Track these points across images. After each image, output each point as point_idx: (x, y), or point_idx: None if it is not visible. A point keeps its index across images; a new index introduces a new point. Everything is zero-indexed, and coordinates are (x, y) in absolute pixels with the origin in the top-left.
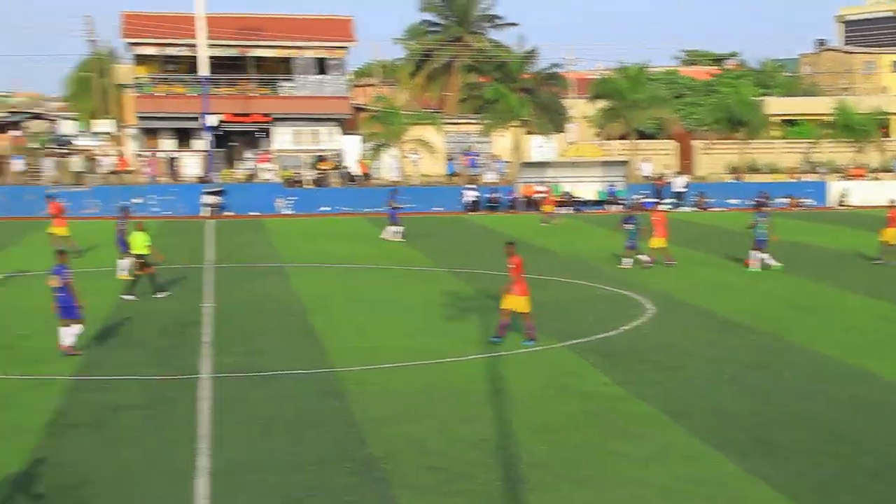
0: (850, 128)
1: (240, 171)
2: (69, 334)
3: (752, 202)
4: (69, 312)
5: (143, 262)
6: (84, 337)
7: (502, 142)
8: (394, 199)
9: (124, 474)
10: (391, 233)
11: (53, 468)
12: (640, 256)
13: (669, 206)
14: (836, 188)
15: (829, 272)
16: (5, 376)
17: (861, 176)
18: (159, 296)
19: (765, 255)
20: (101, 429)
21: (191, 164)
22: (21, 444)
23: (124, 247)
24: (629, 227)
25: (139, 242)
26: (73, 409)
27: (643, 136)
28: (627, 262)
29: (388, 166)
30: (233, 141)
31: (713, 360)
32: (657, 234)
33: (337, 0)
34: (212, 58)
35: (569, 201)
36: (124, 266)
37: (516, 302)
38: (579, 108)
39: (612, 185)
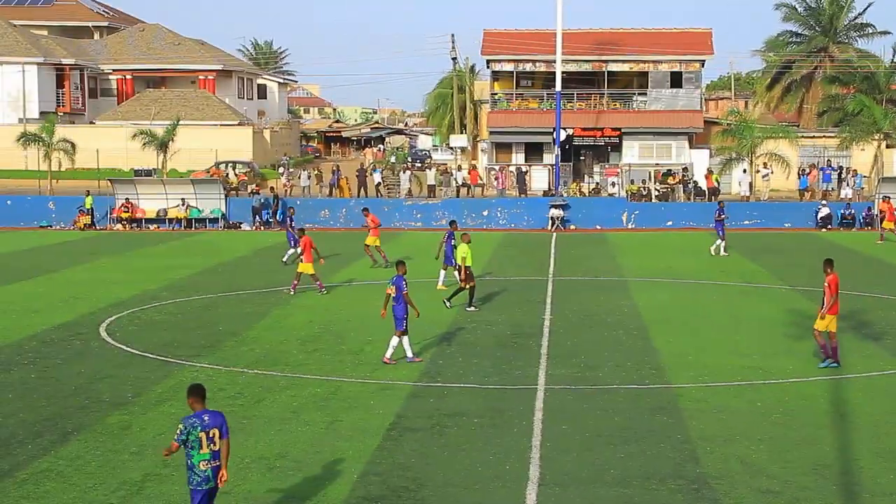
0: None
1: (586, 184)
2: (391, 346)
3: None
4: (399, 323)
5: (467, 273)
6: (424, 345)
7: (862, 156)
8: (720, 212)
9: (458, 479)
10: (722, 247)
11: (392, 470)
12: None
13: None
14: None
15: None
16: (353, 379)
17: None
18: (448, 305)
19: None
20: (437, 434)
21: (539, 178)
22: (363, 445)
23: (450, 260)
24: None
25: (461, 253)
26: (412, 413)
27: None
28: None
29: (738, 181)
30: (582, 154)
31: None
32: None
33: (695, 12)
34: (565, 72)
35: None
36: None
37: (823, 320)
38: None
39: None
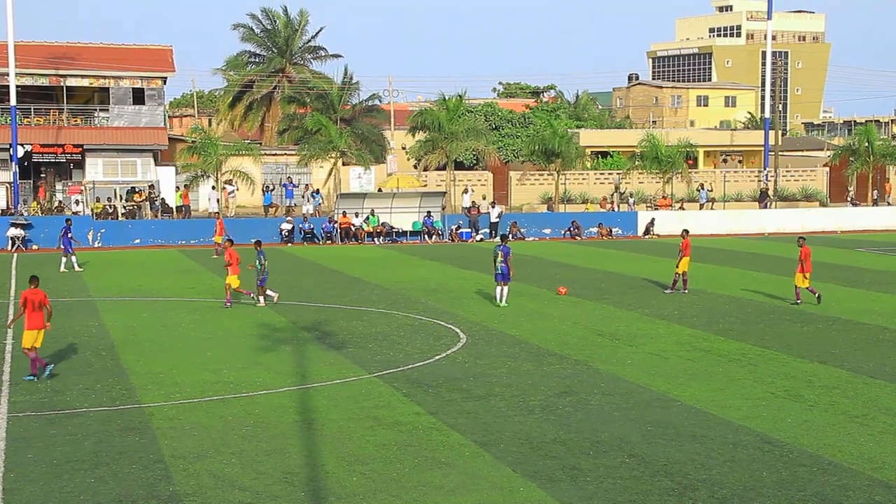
0: (658, 159)
1: (48, 202)
2: None
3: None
4: None
5: None
6: None
7: (321, 173)
8: (67, 230)
9: None
10: (75, 263)
11: None
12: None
13: (482, 237)
14: (644, 218)
15: (637, 300)
16: None
17: (667, 206)
18: None
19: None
20: None
21: None
22: None
23: None
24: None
25: None
26: None
27: (461, 166)
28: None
29: (206, 197)
30: (43, 171)
31: (524, 389)
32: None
33: (157, 30)
34: (20, 86)
35: (387, 231)
36: None
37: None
38: (399, 139)
39: (429, 216)
